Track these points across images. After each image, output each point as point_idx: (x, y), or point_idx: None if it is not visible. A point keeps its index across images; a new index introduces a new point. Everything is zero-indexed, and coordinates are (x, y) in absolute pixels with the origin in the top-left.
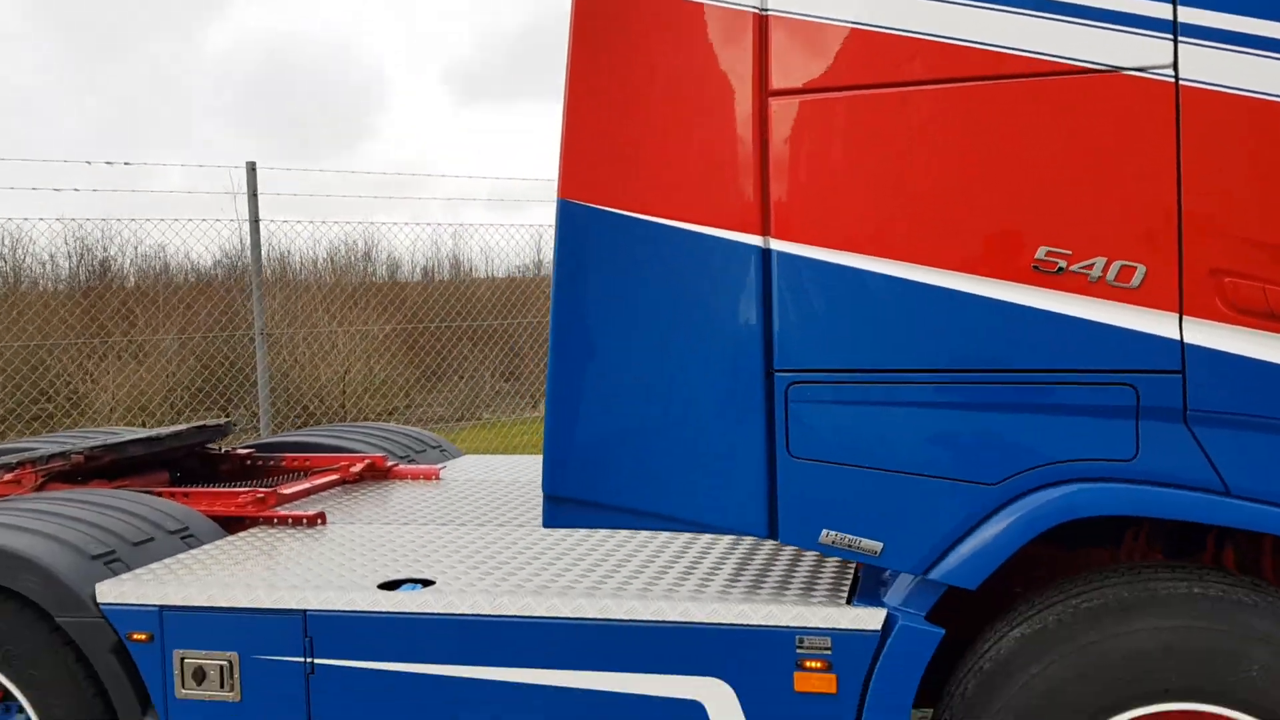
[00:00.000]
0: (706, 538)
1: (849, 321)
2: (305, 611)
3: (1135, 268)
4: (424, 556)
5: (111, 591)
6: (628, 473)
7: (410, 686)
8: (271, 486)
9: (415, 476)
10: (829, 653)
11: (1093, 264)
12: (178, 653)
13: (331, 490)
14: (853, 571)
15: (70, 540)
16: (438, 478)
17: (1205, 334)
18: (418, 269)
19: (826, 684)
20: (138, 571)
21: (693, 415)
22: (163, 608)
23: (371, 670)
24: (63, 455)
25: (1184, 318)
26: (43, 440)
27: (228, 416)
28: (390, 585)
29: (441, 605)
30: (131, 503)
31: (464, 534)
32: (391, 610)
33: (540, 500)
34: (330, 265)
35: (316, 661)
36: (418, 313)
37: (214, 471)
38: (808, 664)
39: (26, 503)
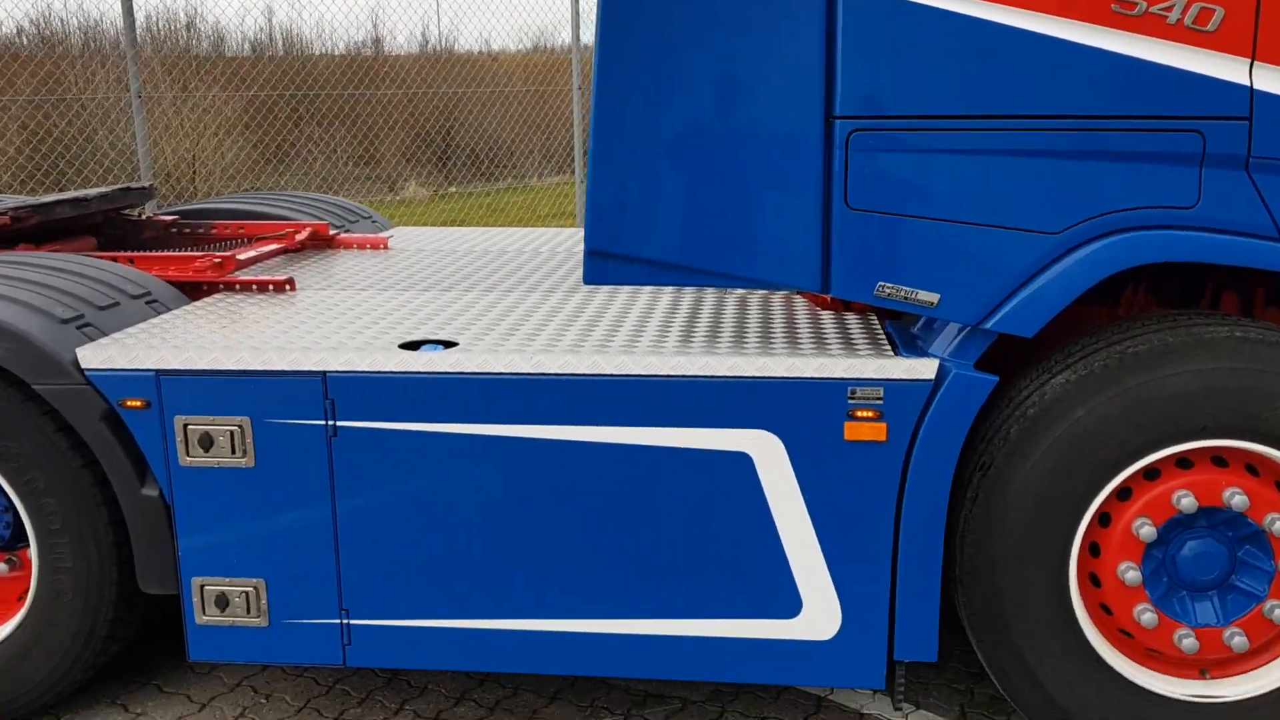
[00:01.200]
0: (711, 298)
1: (916, 64)
2: (325, 374)
3: (1213, 10)
4: (426, 320)
5: (96, 356)
6: (675, 226)
7: (440, 446)
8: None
9: (362, 245)
10: (881, 402)
11: (1172, 5)
12: (180, 419)
13: (277, 259)
14: (874, 325)
15: (33, 303)
16: (386, 247)
17: (1275, 80)
18: (246, 43)
19: (877, 433)
20: (118, 336)
21: (746, 165)
22: (159, 372)
23: (398, 431)
24: None
25: (1255, 63)
26: None
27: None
28: (408, 348)
29: (475, 365)
30: (85, 266)
31: (456, 298)
32: (422, 371)
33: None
34: (148, 36)
35: (339, 424)
36: (259, 88)
37: (137, 239)
38: (859, 414)
39: None
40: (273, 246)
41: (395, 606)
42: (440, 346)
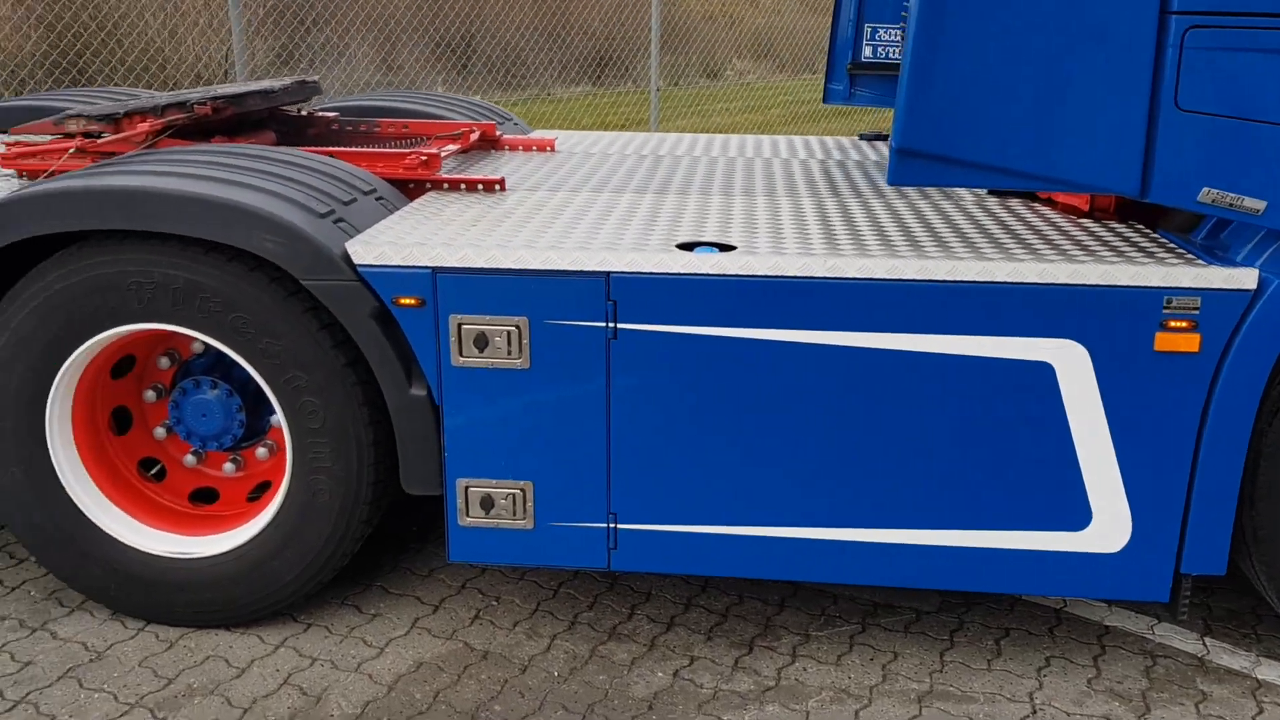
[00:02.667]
0: (952, 204)
1: None
2: (609, 274)
3: None
4: (671, 221)
5: (368, 252)
6: (994, 125)
7: (722, 351)
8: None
9: (528, 147)
10: (1196, 312)
11: None
12: (455, 318)
13: (458, 159)
14: (1147, 233)
15: (290, 196)
16: (554, 149)
17: None
18: None
19: (1190, 343)
20: (382, 231)
21: (1073, 63)
22: (436, 270)
23: (678, 335)
24: (181, 105)
25: None
26: (59, 96)
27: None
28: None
29: (766, 268)
30: (314, 161)
31: (687, 201)
32: (710, 273)
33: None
34: None
35: (620, 326)
36: None
37: (301, 135)
38: (1172, 324)
39: (196, 155)
40: (453, 146)
41: (663, 512)
42: (715, 249)
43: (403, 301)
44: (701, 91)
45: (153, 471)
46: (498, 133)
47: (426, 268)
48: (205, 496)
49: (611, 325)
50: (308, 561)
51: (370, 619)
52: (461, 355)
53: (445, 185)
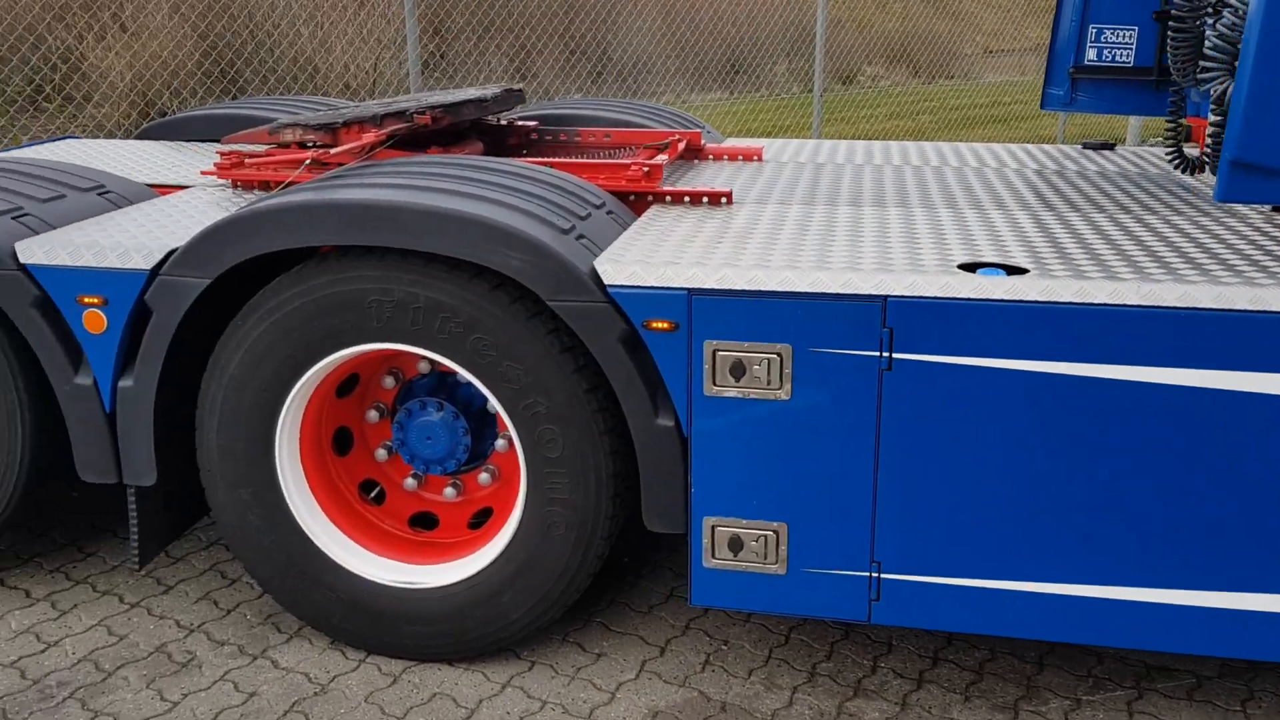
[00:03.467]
0: (1211, 221)
1: None
2: (886, 298)
3: None
4: (940, 237)
5: (619, 272)
6: None
7: (1012, 386)
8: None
9: (734, 156)
10: None
11: None
12: (710, 344)
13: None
14: None
15: (532, 211)
16: (760, 158)
17: None
18: None
19: None
20: (627, 248)
21: None
22: (692, 291)
23: (961, 366)
24: (400, 115)
25: None
26: (245, 105)
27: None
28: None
29: (1071, 293)
30: (541, 173)
31: (941, 215)
32: (1003, 299)
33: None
34: None
35: (895, 356)
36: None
37: (502, 145)
38: None
39: (428, 167)
40: (664, 157)
41: (934, 562)
42: (1001, 271)
43: (654, 325)
44: (839, 98)
45: (371, 495)
46: (703, 141)
47: (682, 289)
48: (422, 521)
49: (886, 355)
50: (539, 597)
51: (595, 659)
52: (715, 384)
53: (668, 198)
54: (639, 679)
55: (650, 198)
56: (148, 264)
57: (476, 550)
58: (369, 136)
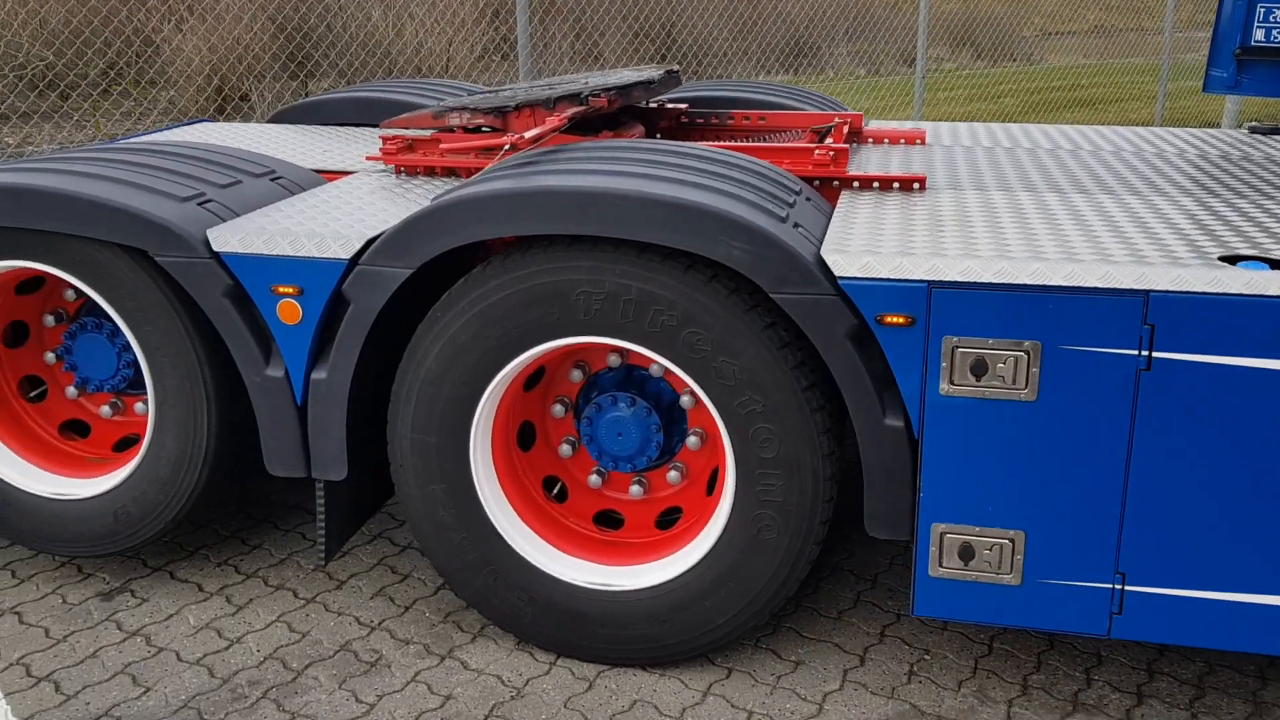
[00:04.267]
0: None
1: None
2: (1148, 293)
3: None
4: (1175, 228)
5: (850, 263)
6: None
7: None
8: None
9: (895, 139)
10: None
11: None
12: (949, 340)
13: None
14: None
15: (746, 198)
16: (924, 141)
17: None
18: None
19: None
20: (846, 237)
21: None
22: (932, 284)
23: (1228, 367)
24: (574, 98)
25: None
26: (377, 89)
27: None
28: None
29: None
30: (734, 158)
31: (1159, 202)
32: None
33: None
34: None
35: (1155, 355)
36: None
37: (653, 128)
38: None
39: (626, 152)
40: (829, 141)
41: (1186, 575)
42: (1265, 265)
43: (889, 319)
44: (906, 80)
45: (553, 492)
46: (863, 124)
47: (921, 281)
48: (604, 520)
49: (1145, 354)
50: (745, 603)
51: (794, 667)
52: (952, 383)
53: (856, 184)
54: (844, 689)
55: (836, 183)
56: (346, 253)
57: (674, 552)
58: (553, 120)
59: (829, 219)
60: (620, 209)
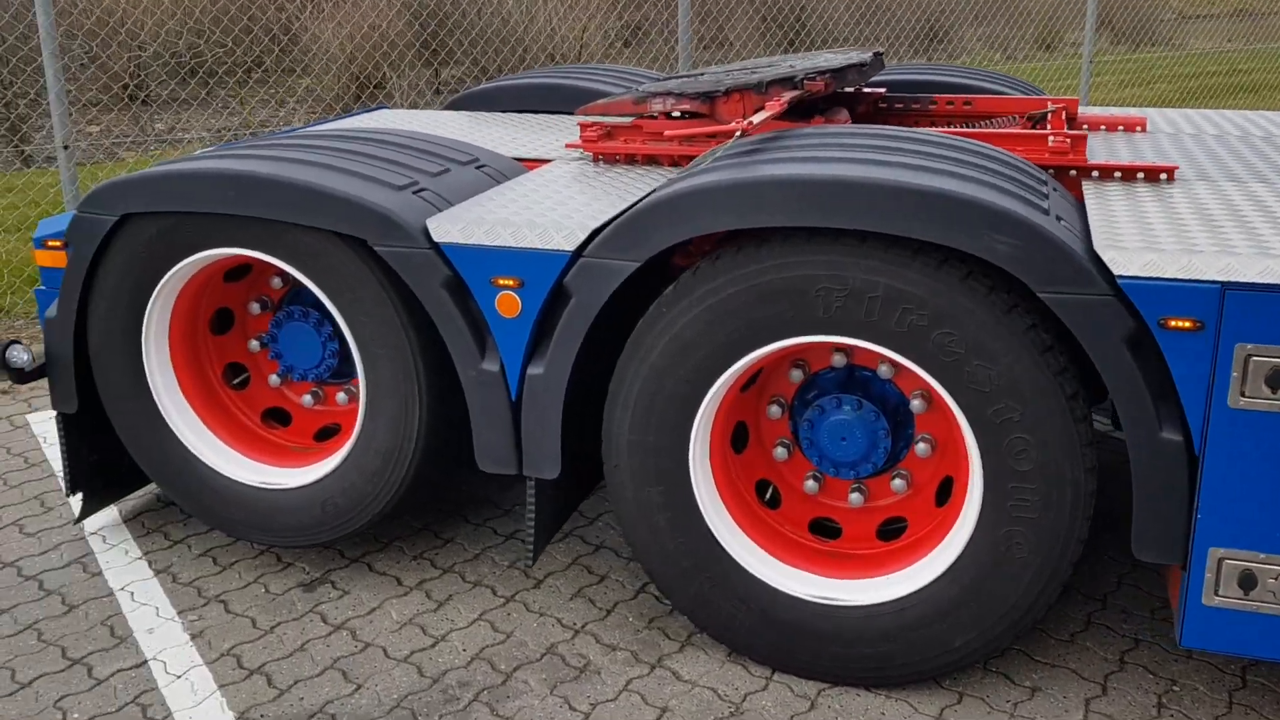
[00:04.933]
0: None
1: None
2: None
3: None
4: None
5: (1132, 260)
6: None
7: None
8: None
9: (1113, 126)
10: None
11: None
12: (1242, 347)
13: None
14: None
15: (1006, 189)
16: (1144, 129)
17: None
18: None
19: None
20: (1122, 231)
21: None
22: (1226, 285)
23: None
24: (788, 82)
25: None
26: (552, 75)
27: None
28: None
29: None
30: (973, 145)
31: None
32: None
33: None
34: None
35: None
36: None
37: (853, 112)
38: None
39: (856, 138)
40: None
41: None
42: None
43: (1173, 323)
44: (1049, 66)
45: (765, 497)
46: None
47: (1213, 282)
48: (818, 528)
49: None
50: (986, 625)
51: (1030, 694)
52: (1244, 395)
53: (1095, 173)
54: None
55: (1074, 172)
56: (570, 245)
57: (905, 567)
58: (773, 105)
59: (1081, 211)
60: (872, 200)
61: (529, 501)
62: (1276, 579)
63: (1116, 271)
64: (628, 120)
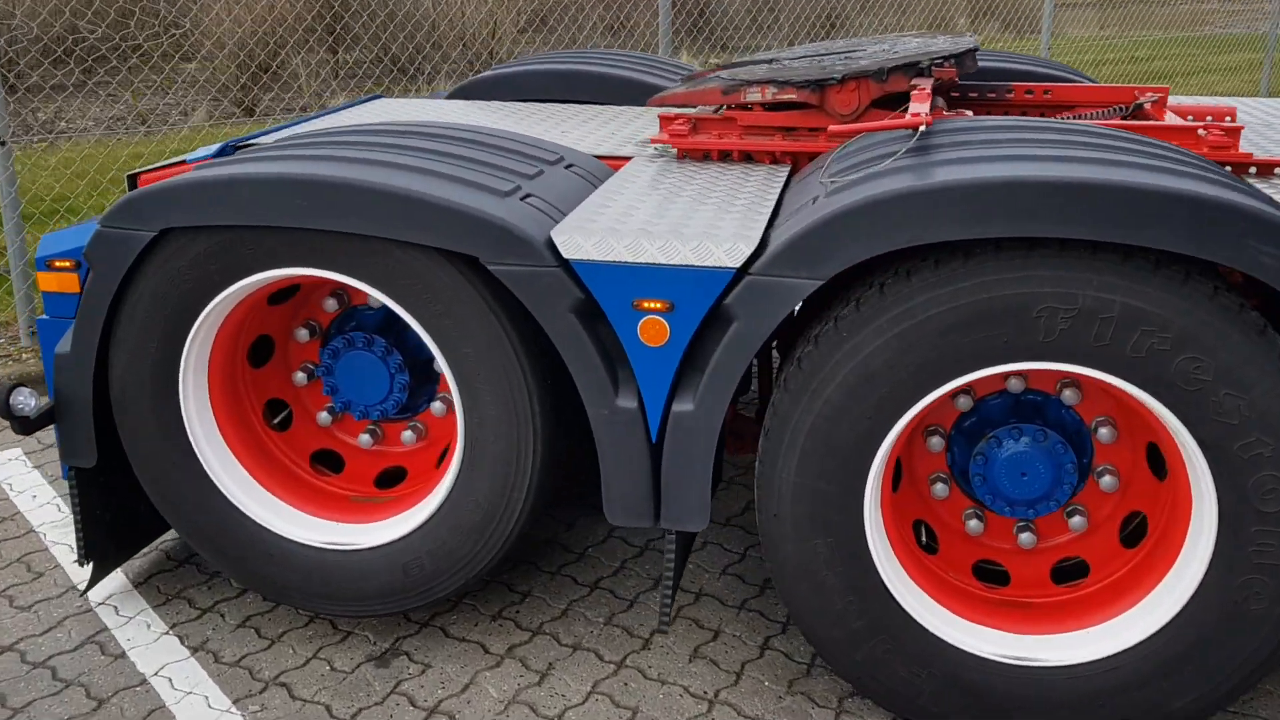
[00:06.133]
0: None
1: None
2: None
3: None
4: None
5: None
6: None
7: None
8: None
9: (1201, 115)
10: None
11: None
12: None
13: None
14: None
15: (1240, 188)
16: (1234, 118)
17: None
18: None
19: None
20: None
21: None
22: None
23: None
24: (910, 68)
25: None
26: (562, 60)
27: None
28: None
29: None
30: (1155, 142)
31: None
32: None
33: None
34: None
35: None
36: None
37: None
38: None
39: (1029, 132)
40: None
41: None
42: None
43: None
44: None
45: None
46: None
47: None
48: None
49: None
50: (1213, 685)
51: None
52: None
53: (1253, 169)
54: None
55: (1229, 168)
56: (734, 261)
57: (1105, 620)
58: (922, 93)
59: None
60: (1110, 204)
61: (667, 558)
62: None
63: None
64: (715, 112)
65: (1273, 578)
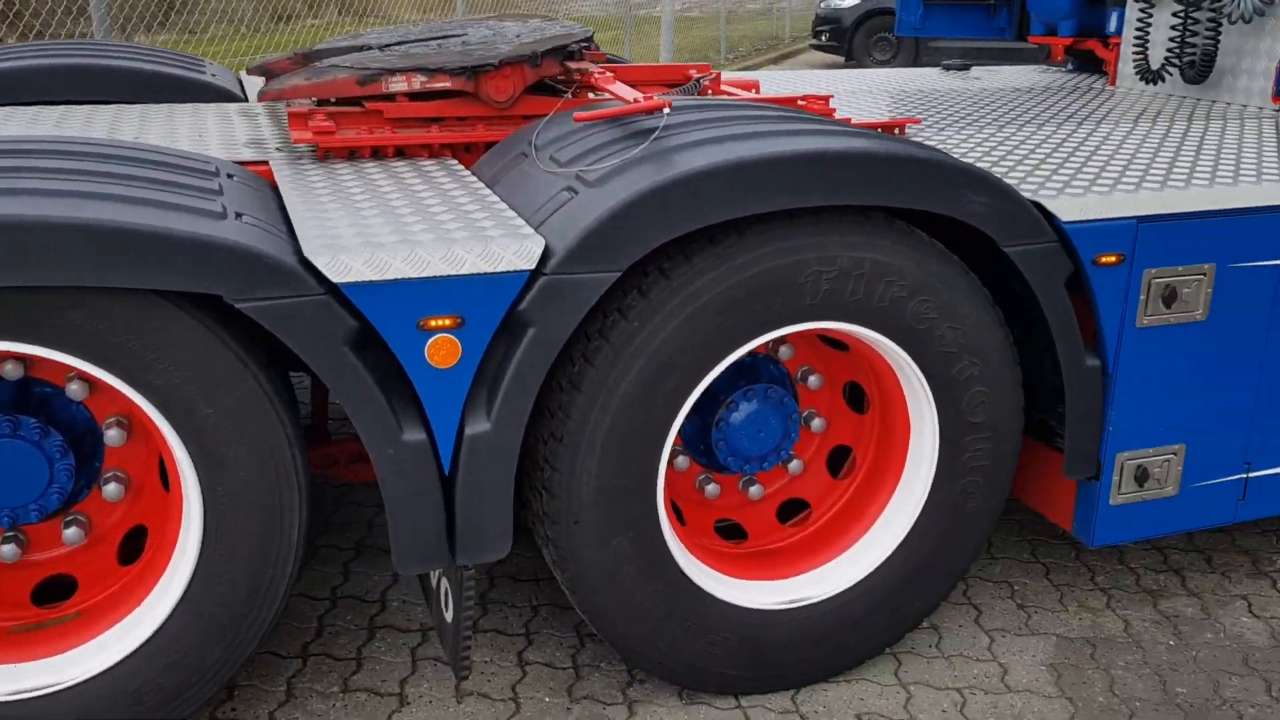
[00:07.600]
0: None
1: None
2: None
3: None
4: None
5: (1073, 206)
6: None
7: None
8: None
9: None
10: None
11: None
12: (1149, 273)
13: None
14: None
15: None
16: (759, 90)
17: None
18: None
19: None
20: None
21: None
22: (1140, 220)
23: None
24: (560, 51)
25: None
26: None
27: None
28: None
29: None
30: (796, 111)
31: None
32: None
33: None
34: None
35: None
36: None
37: None
38: None
39: (736, 111)
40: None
41: None
42: None
43: (1103, 260)
44: (278, 38)
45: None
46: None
47: (1130, 218)
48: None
49: None
50: (948, 586)
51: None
52: (1148, 314)
53: None
54: None
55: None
56: (528, 263)
57: (855, 545)
58: (605, 80)
59: None
60: (860, 171)
61: (464, 595)
62: (1159, 467)
63: (1063, 218)
64: (354, 107)
65: (984, 477)
